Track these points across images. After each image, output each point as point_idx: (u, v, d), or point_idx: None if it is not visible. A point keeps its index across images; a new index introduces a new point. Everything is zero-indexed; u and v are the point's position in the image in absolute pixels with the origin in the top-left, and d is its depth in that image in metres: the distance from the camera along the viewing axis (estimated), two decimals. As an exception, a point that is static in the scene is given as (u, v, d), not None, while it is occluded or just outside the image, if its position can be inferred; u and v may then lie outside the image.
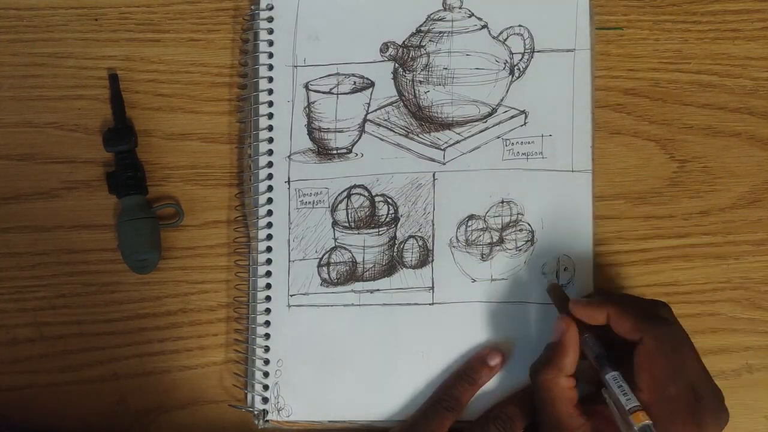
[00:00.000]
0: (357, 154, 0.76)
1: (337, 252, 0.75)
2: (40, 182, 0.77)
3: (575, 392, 0.67)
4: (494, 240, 0.75)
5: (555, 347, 0.68)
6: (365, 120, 0.76)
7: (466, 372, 0.73)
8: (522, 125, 0.76)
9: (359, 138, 0.76)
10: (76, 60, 0.78)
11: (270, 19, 0.77)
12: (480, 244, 0.75)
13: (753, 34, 0.78)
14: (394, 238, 0.75)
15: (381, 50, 0.76)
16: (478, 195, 0.75)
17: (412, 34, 0.76)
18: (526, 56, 0.76)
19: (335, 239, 0.75)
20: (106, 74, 0.77)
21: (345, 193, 0.76)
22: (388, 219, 0.75)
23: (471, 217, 0.75)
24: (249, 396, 0.75)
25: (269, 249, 0.75)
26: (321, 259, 0.75)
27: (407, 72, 0.76)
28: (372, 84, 0.76)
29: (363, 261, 0.75)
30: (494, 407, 0.72)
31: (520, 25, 0.76)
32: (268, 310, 0.75)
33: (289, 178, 0.76)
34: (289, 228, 0.76)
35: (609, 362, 0.65)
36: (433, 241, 0.75)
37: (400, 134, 0.76)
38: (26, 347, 0.76)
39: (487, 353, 0.73)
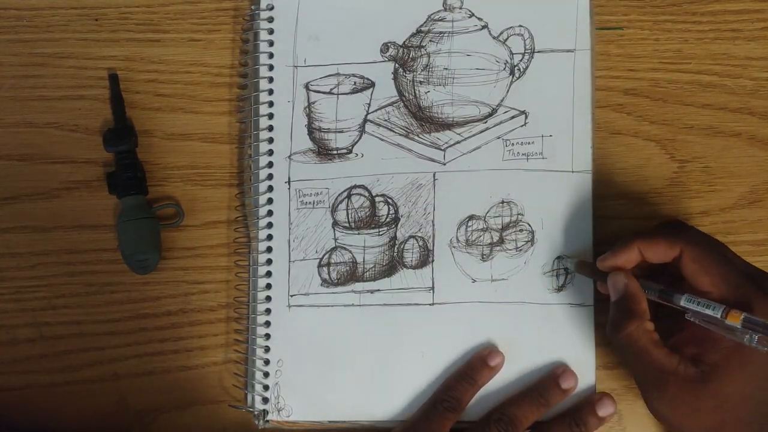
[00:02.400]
0: (357, 155, 0.76)
1: (337, 252, 0.75)
2: (40, 182, 0.77)
3: (658, 335, 0.66)
4: (494, 240, 0.75)
5: (626, 299, 0.67)
6: (365, 120, 0.76)
7: (467, 372, 0.73)
8: (522, 125, 0.75)
9: (359, 138, 0.76)
10: (76, 60, 0.78)
11: (270, 19, 0.77)
12: (480, 245, 0.75)
13: (753, 34, 0.78)
14: (395, 238, 0.75)
15: (381, 50, 0.76)
16: (478, 195, 0.75)
17: (413, 35, 0.76)
18: (527, 56, 0.76)
19: (335, 239, 0.75)
20: (106, 74, 0.77)
21: (345, 194, 0.76)
22: (388, 219, 0.75)
23: (471, 217, 0.75)
24: (249, 396, 0.75)
25: (269, 249, 0.75)
26: (321, 259, 0.75)
27: (407, 72, 0.76)
28: (372, 84, 0.76)
29: (363, 261, 0.75)
30: (496, 409, 0.72)
31: (520, 26, 0.76)
32: (268, 311, 0.75)
33: (289, 179, 0.76)
34: (290, 228, 0.76)
35: (675, 290, 0.66)
36: (433, 241, 0.75)
37: (401, 134, 0.76)
38: (26, 347, 0.76)
39: (488, 353, 0.73)
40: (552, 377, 0.73)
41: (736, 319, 0.61)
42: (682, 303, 0.65)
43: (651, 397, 0.66)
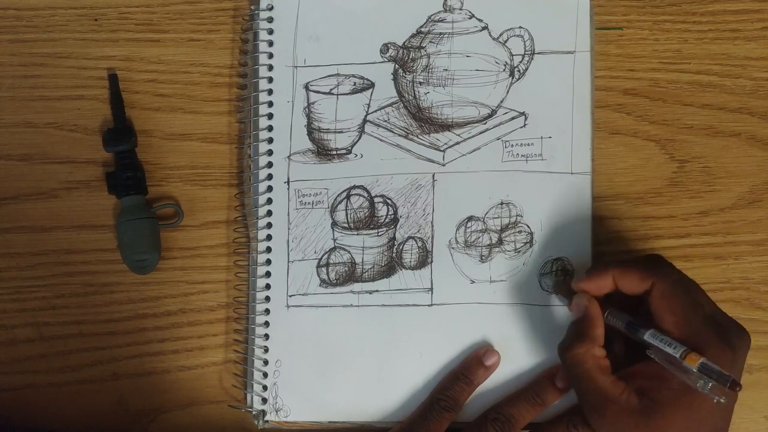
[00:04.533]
0: (356, 155, 0.76)
1: (336, 253, 0.75)
2: (40, 182, 0.77)
3: (608, 362, 0.67)
4: (493, 241, 0.75)
5: (582, 321, 0.68)
6: (365, 121, 0.76)
7: (462, 372, 0.73)
8: (522, 127, 0.75)
9: (359, 139, 0.76)
10: (75, 60, 0.78)
11: (270, 20, 0.77)
12: (479, 246, 0.75)
13: (753, 34, 0.77)
14: (394, 239, 0.75)
15: (381, 51, 0.76)
16: (477, 196, 0.75)
17: (413, 35, 0.76)
18: (526, 58, 0.76)
19: (334, 240, 0.75)
20: (106, 74, 0.77)
21: (344, 194, 0.76)
22: (387, 220, 0.75)
23: (470, 218, 0.75)
24: (248, 396, 0.75)
25: (269, 249, 0.76)
26: (320, 259, 0.75)
27: (407, 73, 0.76)
28: (372, 85, 0.76)
29: (362, 262, 0.75)
30: (493, 408, 0.72)
31: (520, 27, 0.76)
32: (267, 311, 0.75)
33: (288, 179, 0.76)
34: (289, 228, 0.76)
35: (640, 324, 0.66)
36: (432, 242, 0.75)
37: (400, 135, 0.76)
38: (26, 347, 0.76)
39: (483, 353, 0.74)
40: (547, 377, 0.73)
41: (693, 362, 0.61)
42: (646, 337, 0.65)
43: (592, 420, 0.66)
